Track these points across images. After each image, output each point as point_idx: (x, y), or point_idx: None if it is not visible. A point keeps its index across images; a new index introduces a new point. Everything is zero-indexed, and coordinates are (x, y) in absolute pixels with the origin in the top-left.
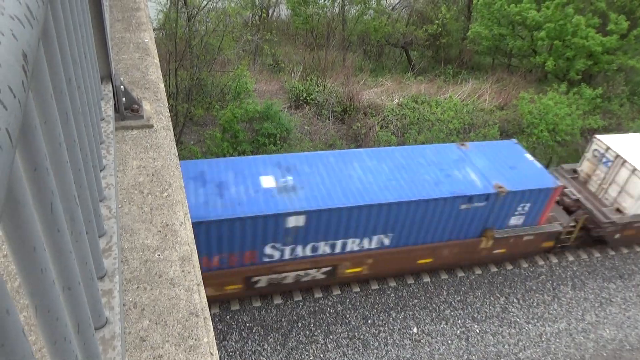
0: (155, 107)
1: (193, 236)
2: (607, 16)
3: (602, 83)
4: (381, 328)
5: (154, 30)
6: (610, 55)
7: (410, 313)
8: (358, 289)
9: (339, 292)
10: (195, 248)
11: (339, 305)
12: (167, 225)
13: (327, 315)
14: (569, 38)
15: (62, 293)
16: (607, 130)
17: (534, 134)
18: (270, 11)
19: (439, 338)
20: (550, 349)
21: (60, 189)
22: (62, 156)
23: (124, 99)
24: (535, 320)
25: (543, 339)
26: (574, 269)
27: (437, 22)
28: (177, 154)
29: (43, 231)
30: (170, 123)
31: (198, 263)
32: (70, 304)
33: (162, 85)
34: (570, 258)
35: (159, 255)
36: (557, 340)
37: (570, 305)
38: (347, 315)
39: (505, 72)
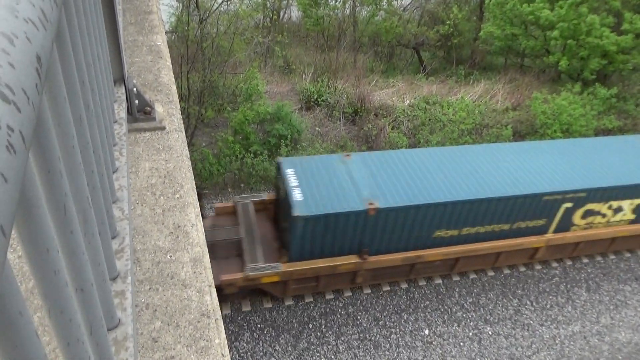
0: (168, 109)
1: (204, 237)
2: (621, 15)
3: (617, 83)
4: (392, 330)
5: (166, 33)
6: (625, 55)
7: (421, 315)
8: (369, 291)
9: (350, 294)
10: (207, 249)
11: (350, 307)
12: (179, 226)
13: (338, 316)
14: (583, 37)
15: (75, 294)
16: (622, 130)
17: (547, 134)
18: (281, 13)
19: (451, 340)
20: (565, 351)
21: (74, 191)
22: (76, 158)
23: (136, 102)
24: (549, 322)
25: (557, 342)
26: (589, 270)
27: (448, 22)
28: (189, 156)
29: (56, 233)
30: (182, 125)
31: (209, 264)
32: (83, 305)
33: (174, 88)
34: (585, 260)
35: (170, 256)
36: (571, 343)
37: (584, 307)
38: (358, 317)
39: (517, 72)
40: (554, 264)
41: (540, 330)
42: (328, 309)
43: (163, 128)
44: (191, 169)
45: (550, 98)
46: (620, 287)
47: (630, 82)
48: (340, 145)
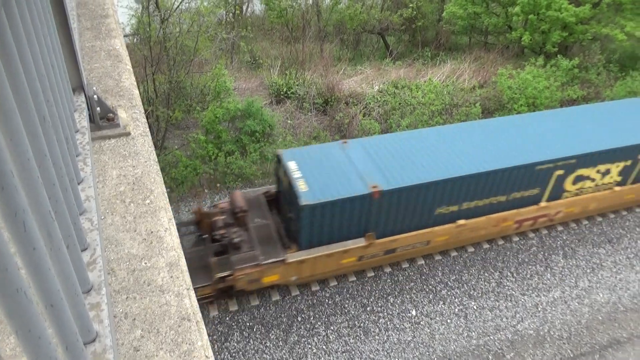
0: (131, 114)
1: (179, 241)
2: None
3: (578, 53)
4: (380, 314)
5: (127, 36)
6: (584, 25)
7: (407, 297)
8: (354, 278)
9: (336, 283)
10: (182, 252)
11: (337, 296)
12: (152, 232)
13: (326, 306)
14: (543, 11)
15: (44, 311)
16: (586, 99)
17: (514, 109)
18: (244, 7)
19: (438, 318)
20: (547, 318)
21: (34, 206)
22: (32, 172)
23: (98, 109)
24: (530, 291)
25: (539, 309)
26: (564, 237)
27: (411, 5)
28: (156, 160)
29: (18, 250)
30: (148, 129)
31: (186, 267)
32: (55, 321)
33: (136, 92)
34: (559, 228)
35: (146, 263)
36: (553, 308)
37: (563, 273)
38: (346, 305)
39: (482, 50)
40: (531, 235)
41: (522, 300)
42: (315, 300)
43: (128, 134)
44: (160, 172)
45: (515, 73)
46: (595, 250)
47: (590, 52)
48: (313, 136)
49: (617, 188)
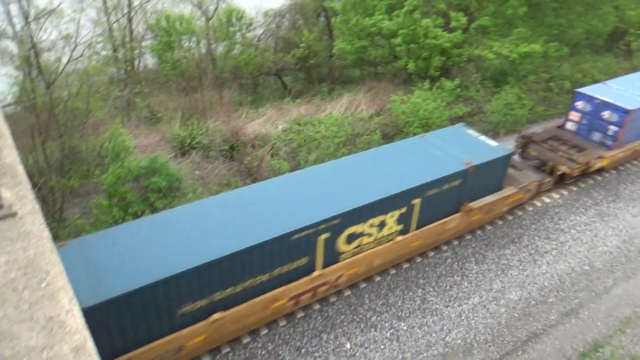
0: (16, 193)
1: (83, 321)
2: (448, 15)
3: (458, 74)
4: (316, 354)
5: (9, 105)
6: (459, 49)
7: (340, 330)
8: (284, 322)
9: (267, 331)
10: (89, 334)
11: (270, 344)
12: (52, 317)
13: (260, 358)
14: (422, 40)
15: None
16: (471, 115)
17: (410, 131)
18: (136, 63)
19: (372, 346)
20: (471, 324)
21: None
22: None
23: None
24: (452, 302)
25: (463, 317)
26: (473, 245)
27: (302, 45)
28: (50, 237)
29: None
30: (37, 206)
31: (94, 349)
32: None
33: (20, 167)
34: (468, 236)
35: (47, 353)
36: (475, 314)
37: (477, 279)
38: (280, 352)
39: (374, 80)
40: (444, 247)
41: (447, 312)
42: (248, 354)
43: (14, 214)
44: (56, 250)
45: (406, 98)
46: (501, 252)
47: (467, 72)
48: (224, 183)
49: (400, 237)
